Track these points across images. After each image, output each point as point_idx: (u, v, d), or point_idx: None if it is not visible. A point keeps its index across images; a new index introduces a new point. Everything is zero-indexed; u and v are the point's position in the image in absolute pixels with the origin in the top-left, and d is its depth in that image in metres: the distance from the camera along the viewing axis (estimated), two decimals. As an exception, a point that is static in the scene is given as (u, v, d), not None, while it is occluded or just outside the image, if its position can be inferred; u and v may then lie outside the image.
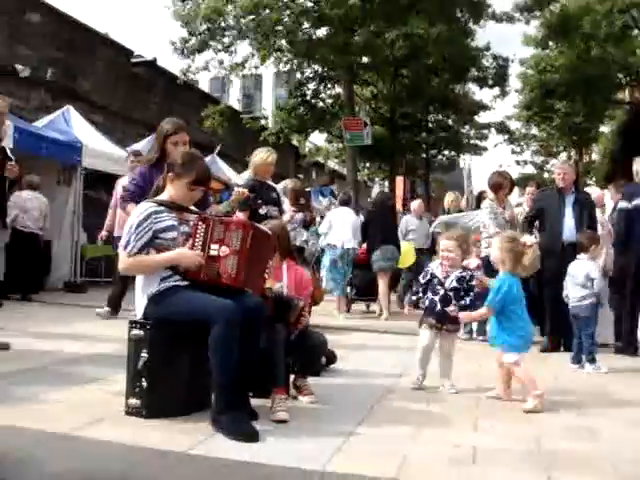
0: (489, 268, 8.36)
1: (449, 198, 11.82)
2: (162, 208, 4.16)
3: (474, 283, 5.36)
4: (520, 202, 9.89)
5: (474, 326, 8.77)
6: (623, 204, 8.05)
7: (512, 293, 5.05)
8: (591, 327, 6.82)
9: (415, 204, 12.50)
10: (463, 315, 5.29)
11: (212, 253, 4.04)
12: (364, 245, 10.89)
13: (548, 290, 7.95)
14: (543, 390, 4.88)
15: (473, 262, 8.95)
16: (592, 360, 6.69)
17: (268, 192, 7.54)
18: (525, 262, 5.10)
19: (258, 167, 7.51)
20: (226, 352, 3.81)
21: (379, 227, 10.72)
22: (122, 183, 8.81)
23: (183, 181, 4.22)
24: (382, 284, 10.55)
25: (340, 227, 10.49)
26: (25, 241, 11.00)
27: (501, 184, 8.50)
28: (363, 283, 11.16)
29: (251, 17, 17.68)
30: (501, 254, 5.15)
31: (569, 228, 7.83)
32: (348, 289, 11.29)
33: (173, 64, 20.69)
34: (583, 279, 6.82)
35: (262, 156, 7.49)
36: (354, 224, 10.72)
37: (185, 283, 4.09)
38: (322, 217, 14.36)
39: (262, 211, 7.15)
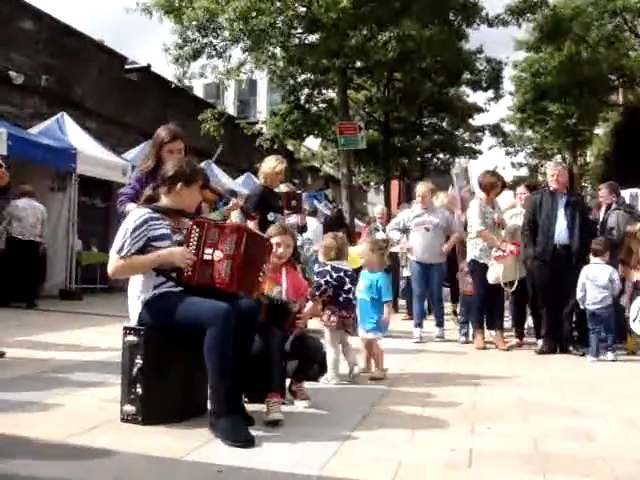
0: (477, 269, 8.35)
1: (444, 200, 11.49)
2: (158, 215, 4.14)
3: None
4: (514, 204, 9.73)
5: (470, 330, 8.76)
6: None
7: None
8: (612, 323, 7.45)
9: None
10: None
11: (206, 257, 4.03)
12: None
13: (543, 293, 7.94)
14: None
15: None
16: (613, 350, 7.38)
17: (276, 200, 7.63)
18: (385, 257, 6.57)
19: (267, 175, 7.62)
20: (222, 355, 3.79)
21: None
22: None
23: (194, 187, 4.25)
24: None
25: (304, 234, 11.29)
26: (22, 249, 11.04)
27: (494, 184, 8.47)
28: None
29: (244, 21, 17.61)
30: (376, 257, 6.27)
31: (562, 230, 7.81)
32: None
33: (167, 70, 20.69)
34: (606, 281, 7.37)
35: (271, 165, 7.62)
36: (315, 231, 11.58)
37: (179, 289, 4.08)
38: (326, 218, 14.60)
39: (270, 218, 7.23)
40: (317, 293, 5.67)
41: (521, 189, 9.13)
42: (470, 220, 8.50)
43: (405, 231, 9.14)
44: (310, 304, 5.59)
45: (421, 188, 9.23)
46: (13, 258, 10.95)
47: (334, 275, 5.67)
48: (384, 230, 12.47)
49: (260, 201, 7.41)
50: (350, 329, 5.81)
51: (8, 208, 11.18)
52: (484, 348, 8.07)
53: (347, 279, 5.74)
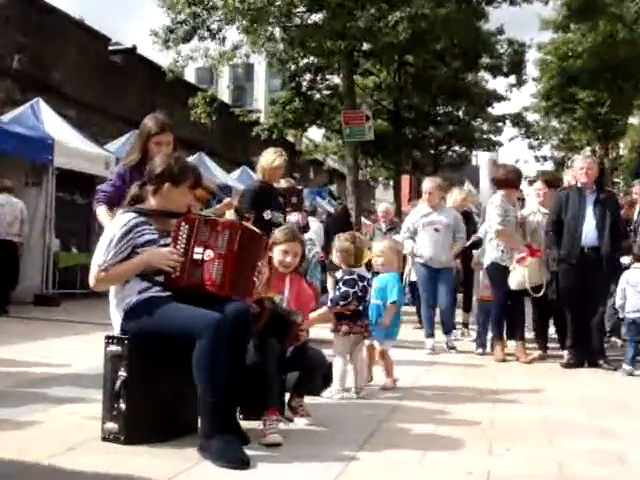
0: (497, 273, 8.32)
1: (459, 196, 11.28)
2: (144, 219, 4.15)
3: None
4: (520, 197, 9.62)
5: (488, 340, 8.75)
6: None
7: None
8: None
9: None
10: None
11: (196, 257, 4.04)
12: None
13: (569, 299, 7.90)
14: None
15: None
16: None
17: (275, 196, 7.60)
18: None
19: (265, 170, 7.59)
20: (212, 370, 3.80)
21: (334, 234, 12.36)
22: None
23: (183, 187, 4.26)
24: (329, 280, 11.76)
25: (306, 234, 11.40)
26: None
27: (514, 180, 8.44)
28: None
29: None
30: (396, 256, 6.60)
31: (590, 231, 7.75)
32: None
33: (155, 53, 20.65)
34: None
35: (269, 158, 7.57)
36: (317, 232, 11.75)
37: (166, 293, 4.09)
38: (329, 215, 14.68)
39: (266, 216, 7.22)
40: (342, 303, 5.70)
41: (538, 184, 8.93)
42: (489, 218, 8.46)
43: (414, 233, 9.10)
44: (324, 309, 5.68)
45: (428, 184, 9.17)
46: None
47: (360, 285, 5.74)
48: (390, 230, 12.41)
49: (256, 198, 7.41)
50: (368, 337, 5.96)
51: None
52: (503, 360, 8.07)
53: (369, 288, 5.87)
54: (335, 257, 6.08)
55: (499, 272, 8.27)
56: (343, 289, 5.72)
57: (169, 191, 4.23)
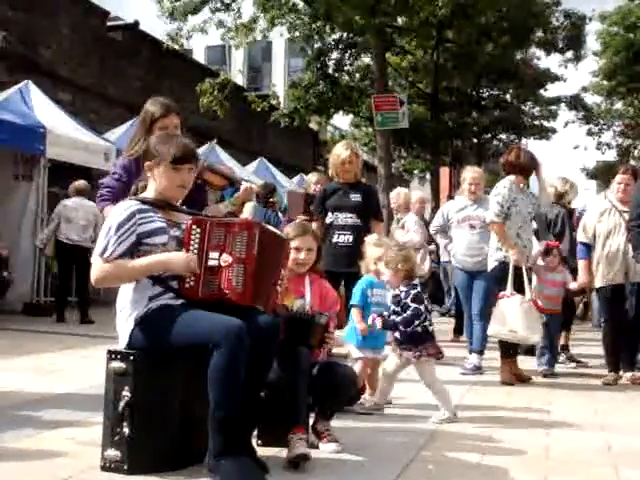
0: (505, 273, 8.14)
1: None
2: (147, 207, 4.16)
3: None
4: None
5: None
6: None
7: None
8: None
9: None
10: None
11: (211, 263, 4.03)
12: None
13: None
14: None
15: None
16: None
17: (346, 196, 7.60)
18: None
19: (334, 168, 7.66)
20: (230, 382, 3.80)
21: None
22: None
23: (165, 165, 4.22)
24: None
25: None
26: (69, 254, 12.02)
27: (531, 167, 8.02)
28: None
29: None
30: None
31: None
32: None
33: (160, 29, 20.72)
34: None
35: (336, 153, 7.68)
36: None
37: (179, 301, 4.09)
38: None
39: (328, 219, 7.30)
40: (416, 323, 5.62)
41: (623, 176, 8.20)
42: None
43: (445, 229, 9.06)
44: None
45: (471, 174, 8.95)
46: (62, 264, 12.35)
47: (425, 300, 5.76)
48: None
49: (319, 202, 7.66)
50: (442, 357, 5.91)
51: (58, 207, 12.14)
52: (508, 383, 7.69)
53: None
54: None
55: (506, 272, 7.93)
56: (413, 306, 5.64)
57: (151, 170, 4.25)
